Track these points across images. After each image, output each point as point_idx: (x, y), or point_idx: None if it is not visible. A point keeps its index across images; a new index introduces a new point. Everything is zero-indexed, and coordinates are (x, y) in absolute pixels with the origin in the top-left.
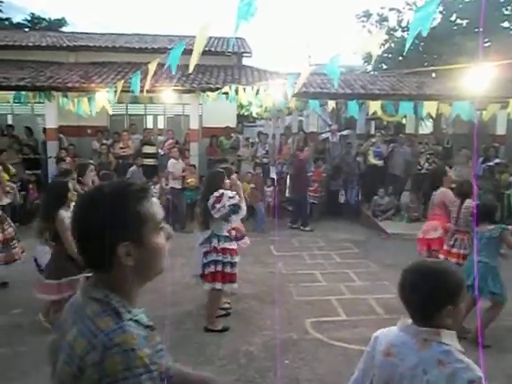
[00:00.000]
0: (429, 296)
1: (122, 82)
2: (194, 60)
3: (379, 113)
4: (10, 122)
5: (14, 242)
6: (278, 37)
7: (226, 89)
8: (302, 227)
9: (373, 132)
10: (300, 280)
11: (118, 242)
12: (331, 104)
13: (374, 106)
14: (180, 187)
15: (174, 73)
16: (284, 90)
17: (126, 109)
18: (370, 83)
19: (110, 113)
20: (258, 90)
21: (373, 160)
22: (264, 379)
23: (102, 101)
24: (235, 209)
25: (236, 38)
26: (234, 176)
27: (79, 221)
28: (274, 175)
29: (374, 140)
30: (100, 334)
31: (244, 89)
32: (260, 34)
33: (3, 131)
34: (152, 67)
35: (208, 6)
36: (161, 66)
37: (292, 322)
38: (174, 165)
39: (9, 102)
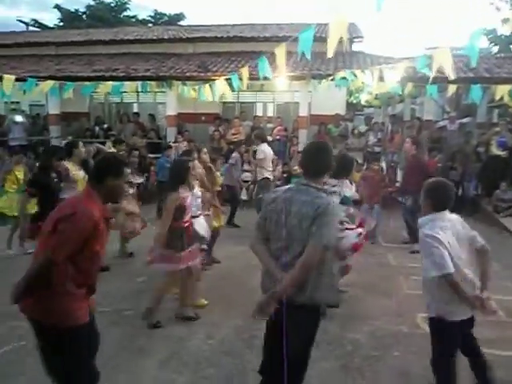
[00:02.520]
0: None
1: (247, 68)
2: (331, 46)
3: (506, 99)
4: (135, 109)
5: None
6: (390, 19)
7: (341, 73)
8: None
9: (495, 120)
10: (411, 273)
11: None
12: (452, 89)
13: (501, 91)
14: (271, 177)
15: (309, 59)
16: (401, 73)
17: (238, 96)
18: (497, 66)
19: (229, 99)
20: (380, 76)
21: (496, 150)
22: (371, 368)
23: (223, 88)
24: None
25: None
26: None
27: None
28: (383, 164)
29: (497, 129)
30: (322, 199)
31: (363, 71)
32: (371, 17)
33: (129, 118)
34: (281, 53)
35: None
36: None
37: (402, 314)
38: (265, 151)
39: (136, 92)
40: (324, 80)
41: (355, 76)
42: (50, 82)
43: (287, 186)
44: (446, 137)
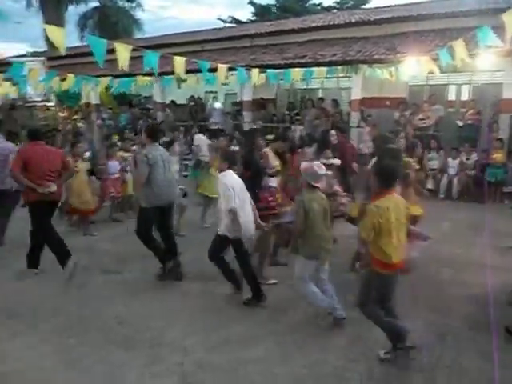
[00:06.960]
0: None
1: (461, 39)
2: None
3: None
4: (320, 95)
5: None
6: None
7: None
8: None
9: None
10: None
11: None
12: None
13: None
14: None
15: None
16: None
17: (427, 79)
18: None
19: (438, 74)
20: None
21: None
22: None
23: (428, 65)
24: None
25: None
26: None
27: None
28: None
29: None
30: None
31: None
32: None
33: (313, 104)
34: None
35: None
36: None
37: None
38: None
39: (320, 78)
40: None
41: None
42: (256, 71)
43: None
44: None
